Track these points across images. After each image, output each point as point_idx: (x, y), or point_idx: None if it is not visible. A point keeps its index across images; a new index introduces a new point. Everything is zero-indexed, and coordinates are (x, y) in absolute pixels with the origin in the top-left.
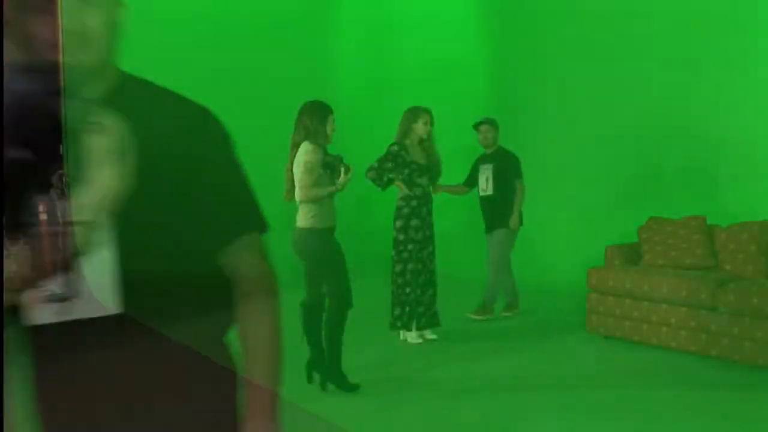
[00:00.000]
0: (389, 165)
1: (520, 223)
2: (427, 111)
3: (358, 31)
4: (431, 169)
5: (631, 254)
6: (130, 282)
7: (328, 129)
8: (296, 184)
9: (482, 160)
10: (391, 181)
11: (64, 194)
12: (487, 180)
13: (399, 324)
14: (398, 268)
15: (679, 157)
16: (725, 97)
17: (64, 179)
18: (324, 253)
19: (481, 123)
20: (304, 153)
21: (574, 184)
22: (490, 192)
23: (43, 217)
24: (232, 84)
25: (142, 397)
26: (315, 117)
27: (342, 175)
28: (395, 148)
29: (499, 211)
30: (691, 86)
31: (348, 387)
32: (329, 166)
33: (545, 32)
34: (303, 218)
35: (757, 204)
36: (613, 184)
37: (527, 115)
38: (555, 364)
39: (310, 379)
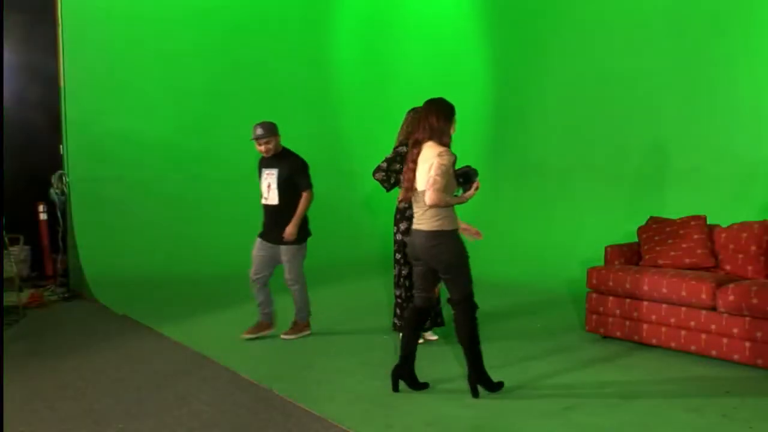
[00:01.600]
0: (397, 166)
1: (309, 234)
2: None
3: (358, 28)
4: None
5: (631, 254)
6: None
7: (452, 130)
8: (431, 186)
9: (265, 163)
10: (397, 183)
11: (64, 194)
12: (269, 187)
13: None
14: (405, 271)
15: (680, 157)
16: (725, 98)
17: (64, 179)
18: (458, 256)
19: (259, 137)
20: (438, 155)
21: (574, 184)
22: (274, 201)
23: (44, 216)
24: (233, 81)
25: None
26: (442, 117)
27: (472, 188)
28: (403, 149)
29: (286, 222)
30: (691, 87)
31: (496, 388)
32: (465, 176)
33: (547, 32)
34: (429, 221)
35: (757, 204)
36: (613, 184)
37: (528, 114)
38: (554, 363)
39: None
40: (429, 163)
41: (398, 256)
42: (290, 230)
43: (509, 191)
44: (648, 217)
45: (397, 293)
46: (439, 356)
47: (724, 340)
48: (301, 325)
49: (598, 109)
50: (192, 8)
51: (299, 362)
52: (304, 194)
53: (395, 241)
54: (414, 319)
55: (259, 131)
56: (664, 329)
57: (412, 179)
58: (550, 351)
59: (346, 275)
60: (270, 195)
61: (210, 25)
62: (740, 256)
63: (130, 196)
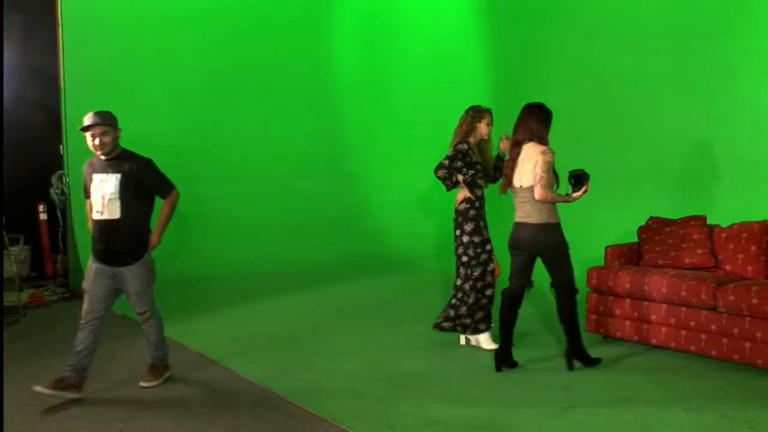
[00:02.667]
0: (458, 164)
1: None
2: (490, 111)
3: (358, 27)
4: (488, 171)
5: (631, 254)
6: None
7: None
8: (538, 182)
9: (97, 167)
10: (459, 182)
11: (64, 194)
12: (104, 198)
13: (482, 327)
14: (477, 271)
15: (680, 158)
16: (725, 98)
17: (64, 179)
18: (562, 246)
19: (91, 126)
20: (542, 153)
21: None
22: (114, 215)
23: (44, 216)
24: (234, 81)
25: None
26: (542, 121)
27: (581, 191)
28: (464, 146)
29: (130, 240)
30: (691, 87)
31: (593, 363)
32: (577, 179)
33: (547, 32)
34: (537, 214)
35: (757, 204)
36: (613, 184)
37: None
38: (555, 363)
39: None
40: (533, 160)
41: (465, 258)
42: (155, 239)
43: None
44: (648, 217)
45: (473, 297)
46: (438, 356)
47: (724, 340)
48: (160, 366)
49: (598, 109)
50: (192, 8)
51: (299, 362)
52: (169, 198)
53: (461, 243)
54: (514, 304)
55: (94, 118)
56: (664, 329)
57: (511, 176)
58: (550, 351)
59: (346, 275)
60: (107, 208)
61: (210, 25)
62: (740, 256)
63: None
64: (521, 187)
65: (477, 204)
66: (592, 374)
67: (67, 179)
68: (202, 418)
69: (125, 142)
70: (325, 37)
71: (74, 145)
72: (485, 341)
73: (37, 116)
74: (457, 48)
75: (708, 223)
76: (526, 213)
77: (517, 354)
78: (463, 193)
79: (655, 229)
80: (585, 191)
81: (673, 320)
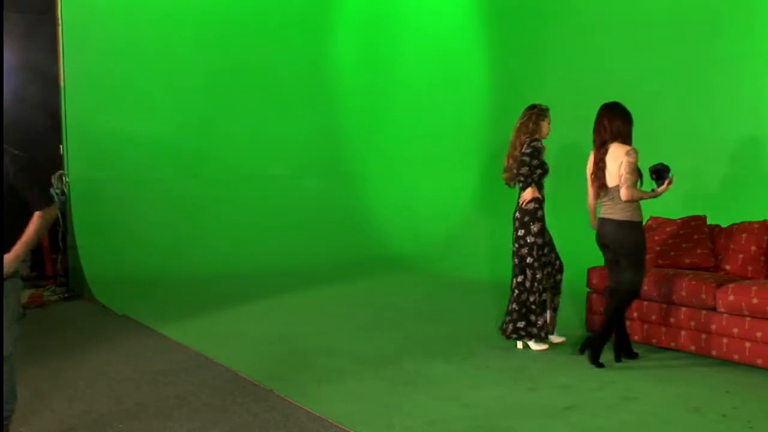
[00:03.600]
0: (536, 162)
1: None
2: (548, 110)
3: (358, 27)
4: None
5: None
6: None
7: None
8: (623, 183)
9: None
10: (534, 182)
11: (64, 194)
12: None
13: (549, 330)
14: (539, 274)
15: (680, 157)
16: (725, 98)
17: (64, 179)
18: (641, 246)
19: None
20: (627, 153)
21: (574, 183)
22: None
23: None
24: (233, 81)
25: None
26: (628, 121)
27: (665, 184)
28: (539, 144)
29: None
30: (691, 87)
31: (597, 364)
32: (658, 173)
33: (547, 32)
34: (620, 212)
35: (757, 204)
36: None
37: None
38: (555, 363)
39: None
40: (618, 161)
41: (530, 260)
42: (10, 261)
43: (509, 191)
44: (648, 217)
45: (531, 299)
46: (438, 356)
47: (724, 340)
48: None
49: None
50: (192, 8)
51: (299, 362)
52: (41, 214)
53: (524, 244)
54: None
55: None
56: (663, 329)
57: (603, 177)
58: (551, 351)
59: (346, 275)
60: None
61: (210, 25)
62: (740, 256)
63: (129, 196)
64: (607, 186)
65: (543, 204)
66: (592, 374)
67: (67, 179)
68: (202, 418)
69: (126, 142)
70: (325, 37)
71: (74, 145)
72: (535, 344)
73: (37, 116)
74: (457, 48)
75: (708, 223)
76: (608, 210)
77: (518, 353)
78: (532, 192)
79: (655, 229)
80: (670, 183)
81: (672, 320)
